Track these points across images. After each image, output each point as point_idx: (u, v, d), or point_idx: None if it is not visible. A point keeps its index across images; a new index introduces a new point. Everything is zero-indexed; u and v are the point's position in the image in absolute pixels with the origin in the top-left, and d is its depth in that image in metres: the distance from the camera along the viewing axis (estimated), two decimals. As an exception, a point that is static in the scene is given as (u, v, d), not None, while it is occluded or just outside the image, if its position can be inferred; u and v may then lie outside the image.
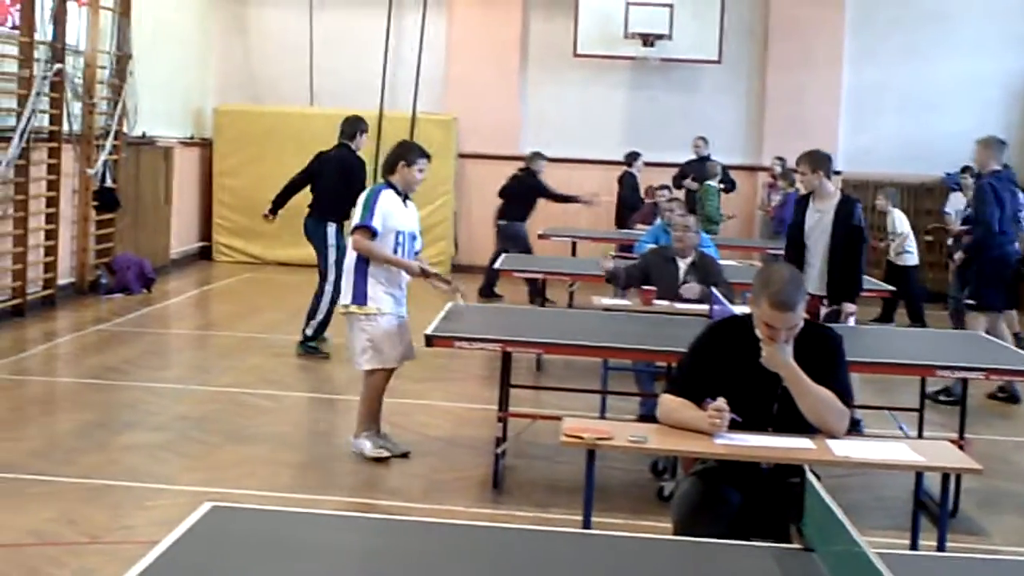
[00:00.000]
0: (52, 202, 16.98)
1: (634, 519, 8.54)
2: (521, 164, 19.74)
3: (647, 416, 10.66)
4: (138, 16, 19.08)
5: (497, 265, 14.89)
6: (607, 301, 11.88)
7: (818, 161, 11.33)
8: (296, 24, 23.18)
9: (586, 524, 6.51)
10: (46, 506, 8.45)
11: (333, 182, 13.99)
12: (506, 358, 9.36)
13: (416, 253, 10.16)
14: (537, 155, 19.56)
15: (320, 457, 9.98)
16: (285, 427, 10.58)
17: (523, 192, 19.15)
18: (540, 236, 18.41)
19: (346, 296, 9.87)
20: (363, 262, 9.80)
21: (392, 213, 9.85)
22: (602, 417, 10.64)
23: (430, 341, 8.98)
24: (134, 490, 8.95)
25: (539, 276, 14.83)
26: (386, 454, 9.90)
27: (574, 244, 18.39)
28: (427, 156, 10.21)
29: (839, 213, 11.20)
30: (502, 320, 10.82)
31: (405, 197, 10.06)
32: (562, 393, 11.96)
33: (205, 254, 23.00)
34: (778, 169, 20.91)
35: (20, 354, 13.88)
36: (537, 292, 18.03)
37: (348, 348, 10.10)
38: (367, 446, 9.90)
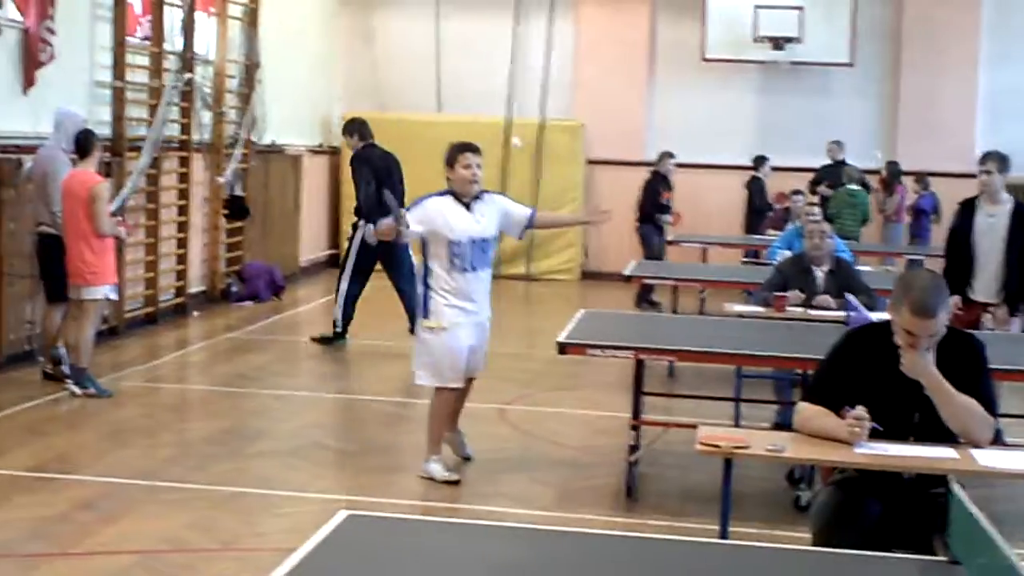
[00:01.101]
0: (183, 211, 17.13)
1: (770, 529, 8.39)
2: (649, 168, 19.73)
3: (783, 424, 10.48)
4: (266, 25, 19.21)
5: (627, 272, 14.74)
6: (740, 308, 11.72)
7: (1005, 162, 11.10)
8: (422, 31, 23.21)
9: (723, 534, 6.40)
10: (180, 513, 8.48)
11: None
12: (639, 366, 9.24)
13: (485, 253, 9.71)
14: (665, 155, 19.59)
15: (451, 465, 9.91)
16: (415, 435, 10.53)
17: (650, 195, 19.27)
18: (670, 242, 18.27)
19: (418, 308, 9.65)
20: (425, 273, 9.57)
21: (442, 220, 9.43)
22: (736, 425, 10.50)
23: (563, 349, 8.89)
24: (266, 497, 8.96)
25: (671, 283, 14.64)
26: (456, 477, 9.55)
27: (704, 250, 18.22)
28: (470, 149, 9.60)
29: (1016, 217, 10.95)
30: (634, 328, 10.71)
31: (471, 202, 9.63)
32: (695, 401, 11.82)
33: (333, 262, 23.03)
34: (883, 172, 20.66)
35: (153, 362, 14.00)
36: (645, 296, 18.05)
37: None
38: (436, 470, 9.53)
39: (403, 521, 5.35)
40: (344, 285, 14.94)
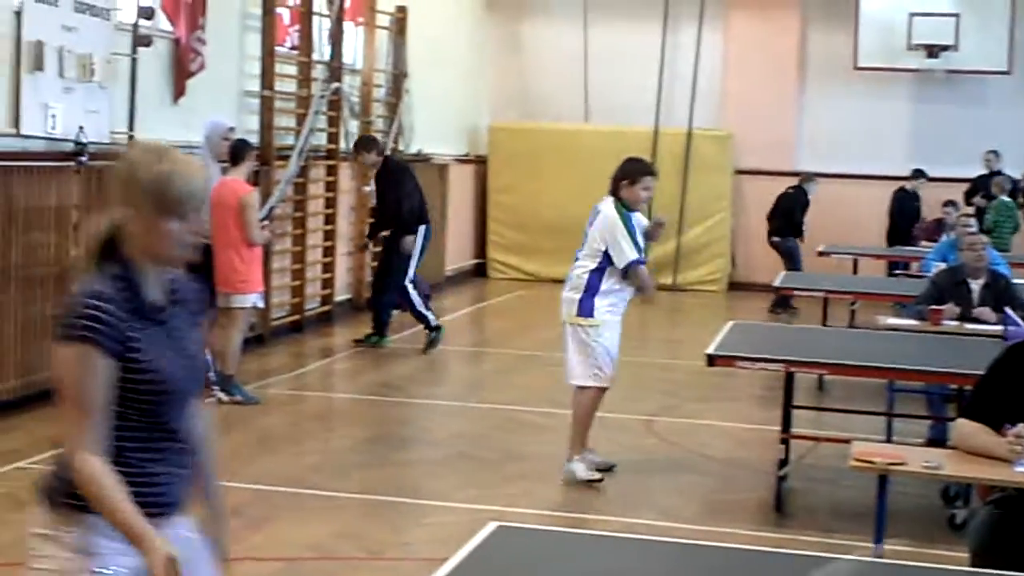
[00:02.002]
0: (329, 219, 17.23)
1: (924, 547, 8.18)
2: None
3: (936, 440, 10.30)
4: (413, 35, 19.26)
5: (776, 283, 14.59)
6: (893, 320, 11.50)
7: None
8: (570, 40, 23.14)
9: (877, 551, 6.25)
10: (326, 521, 8.48)
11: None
12: (789, 379, 9.09)
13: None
14: (810, 178, 19.63)
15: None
16: (562, 445, 10.46)
17: (788, 209, 19.32)
18: (820, 253, 18.04)
19: (573, 308, 9.66)
20: (597, 279, 9.60)
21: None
22: (888, 440, 10.29)
23: (712, 360, 8.79)
24: (412, 506, 8.95)
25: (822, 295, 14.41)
26: (599, 476, 9.64)
27: (855, 261, 17.97)
28: (652, 173, 9.88)
29: None
30: (784, 339, 10.57)
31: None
32: (845, 415, 11.61)
33: (480, 271, 23.12)
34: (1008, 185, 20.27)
35: (298, 370, 14.08)
36: (781, 303, 17.97)
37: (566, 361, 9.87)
38: (580, 469, 9.61)
39: (551, 533, 5.29)
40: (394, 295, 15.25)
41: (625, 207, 9.68)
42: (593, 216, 9.77)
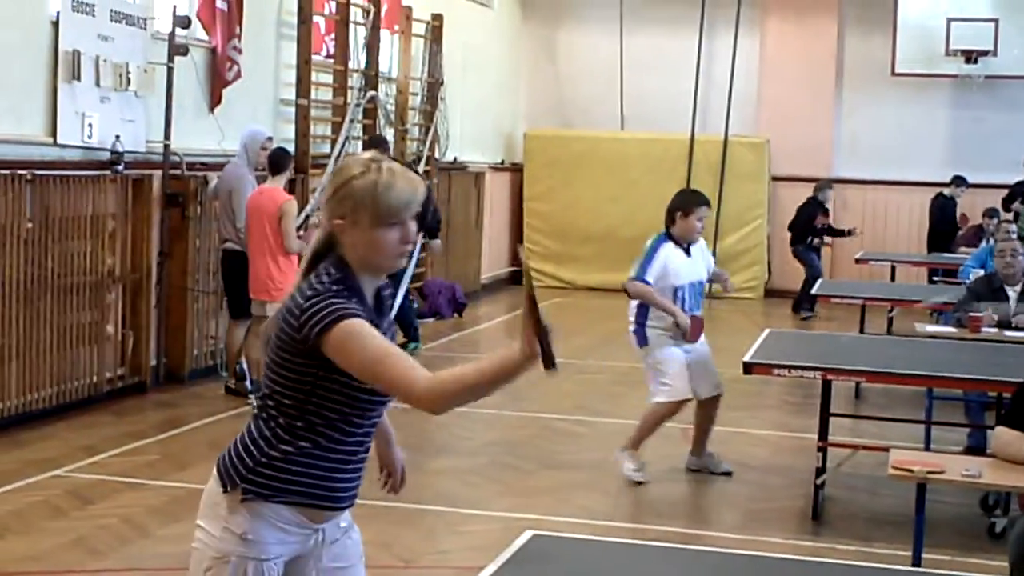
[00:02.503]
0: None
1: (963, 556, 8.12)
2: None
3: (975, 448, 10.25)
4: (449, 43, 19.27)
5: (814, 290, 14.58)
6: (931, 328, 11.44)
7: None
8: (606, 48, 23.12)
9: (916, 560, 6.21)
10: (362, 528, 8.31)
11: None
12: (826, 386, 9.04)
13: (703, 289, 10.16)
14: (826, 185, 19.51)
15: (630, 485, 9.78)
16: (598, 453, 10.44)
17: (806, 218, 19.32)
18: (857, 260, 17.97)
19: (633, 340, 9.96)
20: (641, 312, 9.81)
21: (671, 268, 9.78)
22: (927, 448, 10.23)
23: (748, 368, 8.76)
24: (447, 515, 8.92)
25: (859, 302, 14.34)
26: (645, 480, 9.75)
27: (893, 268, 17.89)
28: (707, 203, 9.99)
29: None
30: (821, 347, 10.51)
31: (688, 246, 9.90)
32: (883, 423, 11.55)
33: (515, 279, 23.09)
34: None
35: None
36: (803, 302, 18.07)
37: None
38: (628, 466, 9.82)
39: (587, 542, 5.26)
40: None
41: (673, 238, 9.76)
42: None
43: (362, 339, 3.81)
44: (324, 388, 3.92)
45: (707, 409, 10.16)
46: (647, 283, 9.67)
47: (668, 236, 9.84)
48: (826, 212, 19.62)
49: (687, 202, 9.90)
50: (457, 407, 3.90)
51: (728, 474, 10.09)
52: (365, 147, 15.41)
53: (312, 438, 3.97)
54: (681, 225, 9.81)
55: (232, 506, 3.99)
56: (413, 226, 3.98)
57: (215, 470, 4.07)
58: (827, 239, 19.58)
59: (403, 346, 14.68)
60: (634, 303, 9.83)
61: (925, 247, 20.58)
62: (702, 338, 10.02)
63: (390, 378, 3.80)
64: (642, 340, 9.84)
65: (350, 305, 3.85)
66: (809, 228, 19.55)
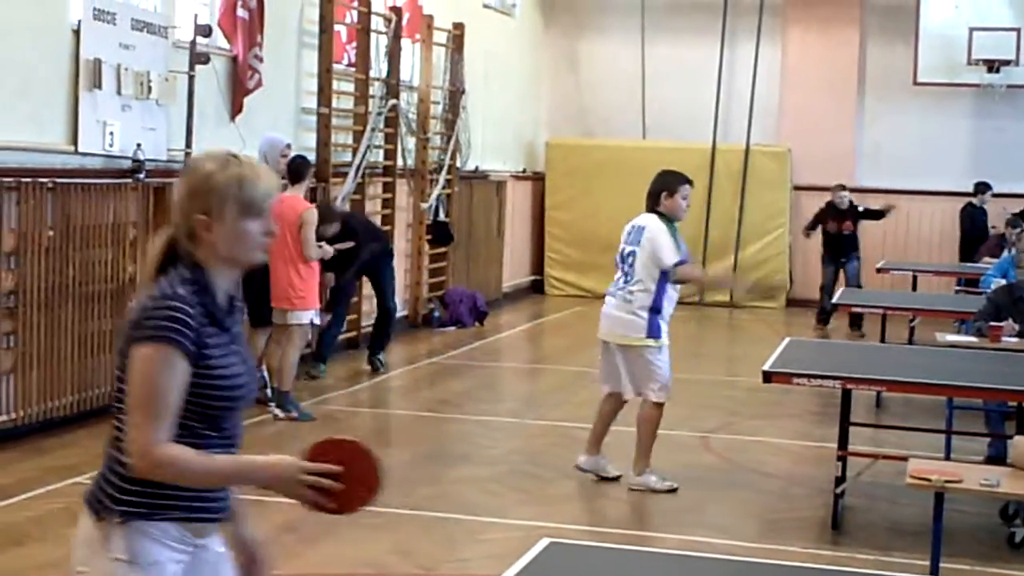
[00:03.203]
0: (387, 236, 17.23)
1: (982, 565, 8.12)
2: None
3: (995, 458, 10.22)
4: (470, 52, 19.28)
5: (834, 300, 14.54)
6: (952, 337, 11.41)
7: None
8: (627, 57, 23.12)
9: (934, 570, 6.20)
10: (381, 537, 8.47)
11: None
12: (846, 395, 9.02)
13: None
14: (839, 186, 19.32)
15: (651, 493, 9.78)
16: (617, 462, 10.42)
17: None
18: (879, 270, 17.91)
19: (639, 330, 9.72)
20: (660, 298, 9.71)
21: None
22: (947, 458, 10.21)
23: (768, 377, 8.73)
24: (467, 523, 8.92)
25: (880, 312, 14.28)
26: (675, 485, 9.76)
27: (915, 277, 17.84)
28: (689, 182, 9.98)
29: None
30: (841, 357, 10.49)
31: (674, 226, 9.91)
32: (903, 432, 11.52)
33: (537, 287, 23.11)
34: None
35: (355, 386, 14.09)
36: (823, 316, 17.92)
37: (627, 380, 9.93)
38: (653, 480, 9.79)
39: (605, 550, 5.26)
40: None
41: (666, 220, 9.70)
42: (637, 234, 9.81)
43: (159, 371, 3.70)
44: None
45: (617, 408, 10.14)
46: (686, 261, 9.79)
47: (660, 215, 9.81)
48: (840, 215, 19.32)
49: (670, 181, 9.88)
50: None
51: (616, 478, 10.01)
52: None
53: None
54: (668, 205, 9.78)
55: (112, 534, 3.80)
56: (270, 218, 3.94)
57: (85, 507, 3.89)
58: (845, 230, 19.31)
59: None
60: (642, 292, 9.74)
61: (946, 256, 20.52)
62: None
63: (139, 421, 3.70)
64: (655, 331, 9.73)
65: (180, 328, 3.72)
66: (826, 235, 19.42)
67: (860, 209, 19.27)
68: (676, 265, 9.70)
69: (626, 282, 9.82)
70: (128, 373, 3.74)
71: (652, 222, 9.78)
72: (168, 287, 3.80)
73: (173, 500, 3.81)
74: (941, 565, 6.29)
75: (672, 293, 9.80)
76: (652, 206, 9.86)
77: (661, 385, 9.78)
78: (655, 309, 9.71)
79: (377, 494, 3.81)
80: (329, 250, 12.46)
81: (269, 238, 3.95)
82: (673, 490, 9.72)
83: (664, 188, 9.83)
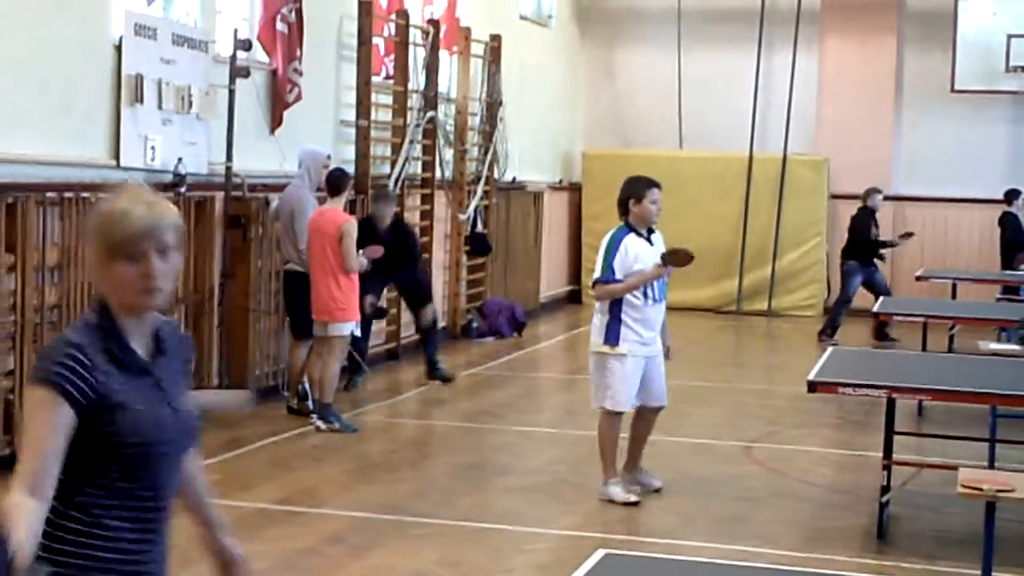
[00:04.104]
0: (425, 247, 17.26)
1: (1032, 575, 8.08)
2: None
3: (1041, 466, 10.17)
4: (507, 63, 19.30)
5: (874, 308, 14.45)
6: (995, 346, 11.37)
7: None
8: (664, 67, 23.09)
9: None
10: (428, 548, 8.49)
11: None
12: (890, 405, 9.00)
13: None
14: (872, 191, 18.96)
15: (695, 501, 9.79)
16: (660, 471, 10.41)
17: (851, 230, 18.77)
18: (918, 278, 17.84)
19: (598, 336, 9.66)
20: (617, 304, 9.58)
21: (636, 257, 9.58)
22: (991, 466, 10.16)
23: (813, 387, 8.73)
24: (512, 533, 8.93)
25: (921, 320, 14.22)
26: (635, 498, 9.66)
27: (954, 286, 17.76)
28: (656, 185, 9.78)
29: None
30: (884, 365, 10.47)
31: (649, 234, 9.75)
32: (945, 440, 11.48)
33: (574, 298, 23.09)
34: None
35: (395, 397, 14.13)
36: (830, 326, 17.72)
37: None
38: (616, 492, 9.67)
39: (659, 561, 5.27)
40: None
41: (633, 229, 9.63)
42: None
43: (39, 415, 3.44)
44: (82, 440, 3.50)
45: (648, 421, 10.02)
46: (617, 281, 9.50)
47: (628, 227, 9.66)
48: (876, 222, 19.10)
49: (636, 187, 9.71)
50: None
51: (658, 490, 9.95)
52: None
53: (86, 501, 3.53)
54: (636, 212, 9.63)
55: None
56: (157, 260, 3.53)
57: None
58: (883, 252, 19.09)
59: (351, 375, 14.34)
60: (599, 303, 9.71)
61: (986, 264, 20.42)
62: (658, 344, 9.83)
63: (20, 462, 3.44)
64: (613, 337, 9.60)
65: (67, 373, 3.45)
66: (866, 242, 18.99)
67: (881, 239, 18.99)
68: (593, 284, 9.69)
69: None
70: (24, 419, 3.55)
71: (610, 234, 9.72)
72: (70, 330, 3.57)
73: (89, 560, 3.54)
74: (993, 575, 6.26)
75: (633, 302, 9.56)
76: (622, 215, 9.73)
77: (604, 392, 9.65)
78: (614, 314, 9.59)
79: None
80: (367, 263, 12.53)
81: (151, 281, 3.54)
82: (634, 503, 9.58)
83: (632, 195, 9.67)
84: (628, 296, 9.55)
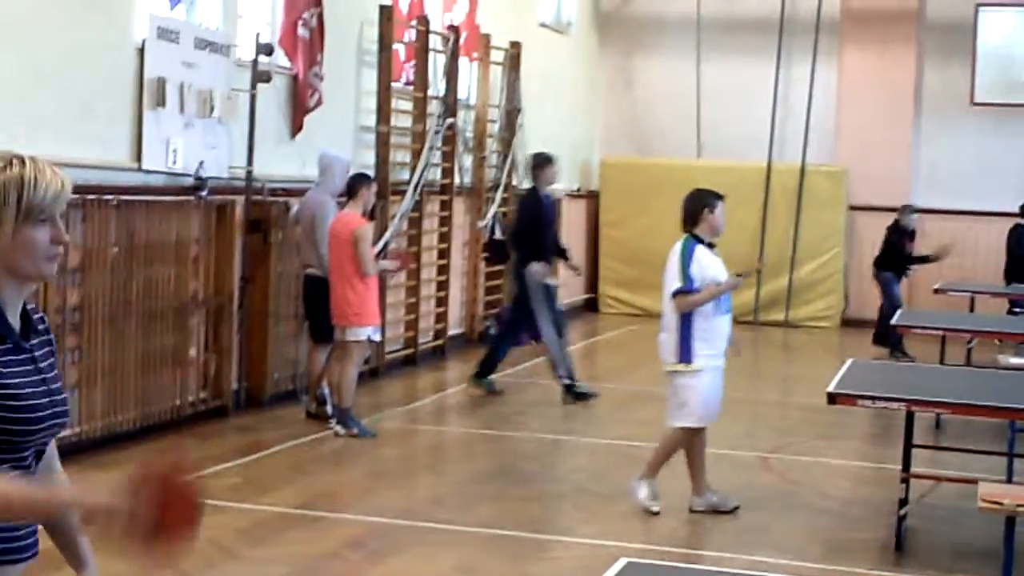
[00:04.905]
0: (443, 254, 17.30)
1: (1050, 589, 8.06)
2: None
3: (1060, 480, 10.15)
4: (527, 70, 19.32)
5: (893, 321, 14.42)
6: (1014, 360, 11.36)
7: None
8: (683, 76, 23.07)
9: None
10: (447, 554, 8.50)
11: (515, 225, 14.76)
12: (909, 418, 9.00)
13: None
14: (907, 208, 18.87)
15: (712, 513, 9.76)
16: (677, 481, 10.41)
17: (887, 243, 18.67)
18: (936, 291, 17.79)
19: (671, 354, 9.58)
20: (688, 319, 9.50)
21: (709, 267, 9.57)
22: (1009, 480, 10.14)
23: (832, 399, 8.72)
24: (531, 540, 8.93)
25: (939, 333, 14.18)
26: (657, 508, 9.59)
27: (972, 299, 17.71)
28: (723, 197, 9.86)
29: None
30: (903, 378, 10.46)
31: (710, 245, 9.74)
32: (963, 454, 11.46)
33: (591, 305, 23.09)
34: None
35: (412, 403, 14.14)
36: (897, 346, 17.52)
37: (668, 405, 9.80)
38: (644, 492, 9.65)
39: (681, 570, 5.25)
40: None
41: (700, 240, 9.61)
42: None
43: None
44: None
45: (703, 437, 9.87)
46: (696, 291, 9.44)
47: (696, 238, 9.64)
48: (912, 237, 19.07)
49: (709, 199, 9.74)
50: None
51: (735, 510, 9.82)
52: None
53: None
54: (709, 221, 9.64)
55: None
56: (63, 225, 3.48)
57: None
58: (915, 267, 18.97)
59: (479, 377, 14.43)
60: (671, 316, 9.59)
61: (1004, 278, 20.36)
62: (721, 362, 9.76)
63: None
64: (687, 353, 9.53)
65: None
66: (900, 256, 18.88)
67: (919, 254, 18.90)
68: (673, 295, 9.53)
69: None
70: None
71: (682, 246, 9.66)
72: None
73: None
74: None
75: (705, 315, 9.51)
76: (689, 226, 9.71)
77: (685, 410, 9.57)
78: (686, 328, 9.50)
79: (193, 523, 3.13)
80: (389, 265, 12.58)
81: (59, 247, 3.46)
82: (655, 513, 9.55)
83: (705, 205, 9.68)
84: (699, 309, 9.50)
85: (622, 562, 4.65)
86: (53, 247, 3.45)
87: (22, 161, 3.43)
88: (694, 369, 9.50)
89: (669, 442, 9.74)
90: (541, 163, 14.59)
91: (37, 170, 3.43)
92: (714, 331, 9.56)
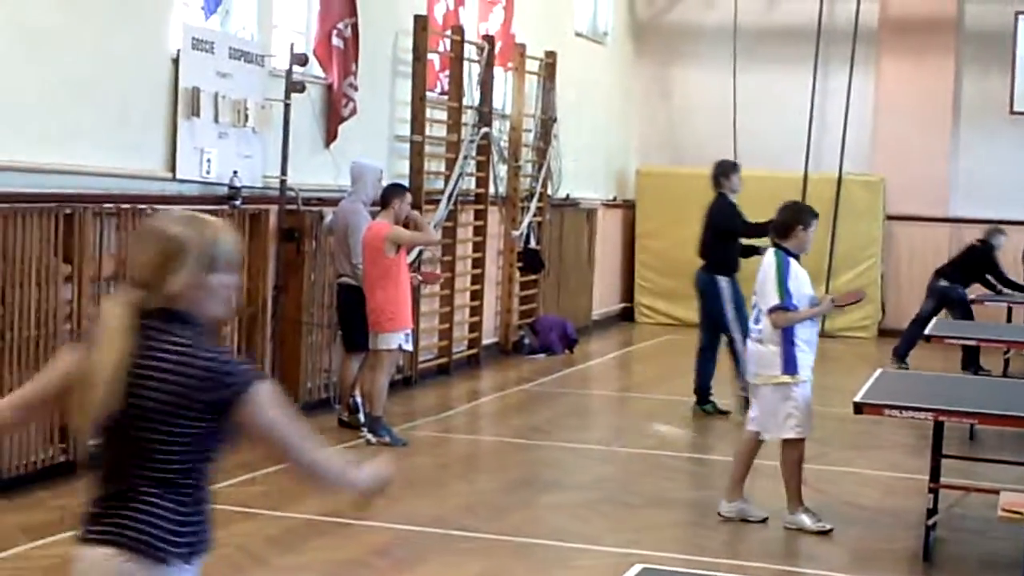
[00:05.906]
0: (478, 263, 17.33)
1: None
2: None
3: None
4: (562, 80, 19.34)
5: (928, 331, 14.34)
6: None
7: None
8: (719, 85, 23.02)
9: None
10: (474, 562, 8.53)
11: (707, 234, 14.52)
12: (938, 428, 8.98)
13: None
14: (997, 231, 18.55)
15: (746, 523, 9.76)
16: (707, 491, 10.43)
17: (971, 262, 18.13)
18: (972, 301, 17.71)
19: (774, 367, 9.53)
20: (791, 332, 9.48)
21: (803, 284, 9.58)
22: (1037, 490, 10.11)
23: (859, 408, 8.72)
24: (559, 549, 8.97)
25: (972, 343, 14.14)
26: (828, 527, 9.54)
27: (1010, 309, 17.63)
28: (818, 216, 9.90)
29: None
30: (933, 388, 10.42)
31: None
32: (997, 465, 11.42)
33: (627, 315, 23.08)
34: None
35: (445, 412, 14.17)
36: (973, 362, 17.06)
37: (765, 418, 9.74)
38: (807, 521, 9.57)
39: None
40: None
41: (791, 254, 9.62)
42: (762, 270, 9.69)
43: (279, 401, 4.09)
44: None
45: (759, 445, 9.90)
46: (795, 308, 9.45)
47: (787, 252, 9.60)
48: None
49: (807, 216, 9.73)
50: None
51: (764, 520, 9.78)
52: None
53: (197, 487, 4.06)
54: (800, 238, 9.61)
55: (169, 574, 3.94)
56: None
57: (126, 552, 3.91)
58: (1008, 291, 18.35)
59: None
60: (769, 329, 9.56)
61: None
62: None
63: (299, 438, 4.26)
64: (792, 365, 9.51)
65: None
66: (978, 274, 18.19)
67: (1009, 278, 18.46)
68: (771, 311, 9.47)
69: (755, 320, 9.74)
70: (262, 412, 4.04)
71: (768, 258, 9.67)
72: (214, 346, 4.05)
73: (206, 537, 4.08)
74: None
75: (806, 326, 9.59)
76: (780, 239, 9.67)
77: (794, 421, 9.53)
78: (790, 340, 9.48)
79: None
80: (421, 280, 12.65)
81: (233, 295, 4.10)
82: (827, 531, 9.49)
83: (801, 222, 9.65)
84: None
85: (636, 568, 4.68)
86: (232, 293, 4.17)
87: (205, 218, 4.03)
88: (800, 380, 9.52)
89: (787, 460, 9.69)
90: (727, 170, 14.56)
91: (217, 226, 4.03)
92: (812, 343, 9.64)
